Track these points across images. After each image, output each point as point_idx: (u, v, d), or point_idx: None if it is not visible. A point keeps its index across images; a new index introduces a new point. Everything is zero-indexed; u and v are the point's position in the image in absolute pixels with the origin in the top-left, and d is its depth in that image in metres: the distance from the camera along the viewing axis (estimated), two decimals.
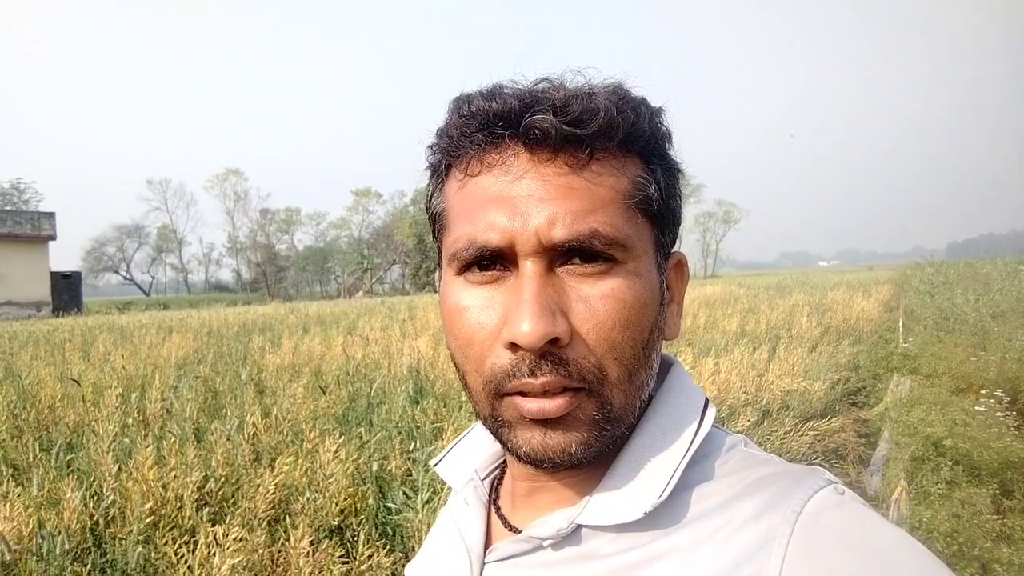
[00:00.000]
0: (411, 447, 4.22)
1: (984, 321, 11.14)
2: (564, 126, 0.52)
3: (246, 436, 4.26)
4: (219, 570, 2.47)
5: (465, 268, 0.56)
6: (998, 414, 5.74)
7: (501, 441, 0.57)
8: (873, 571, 0.45)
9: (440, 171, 0.60)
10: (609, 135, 0.54)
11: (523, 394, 0.53)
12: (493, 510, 0.67)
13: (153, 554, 2.75)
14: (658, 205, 0.57)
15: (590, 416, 0.53)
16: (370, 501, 3.60)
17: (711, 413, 0.59)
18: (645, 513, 0.53)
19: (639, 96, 0.58)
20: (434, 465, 0.77)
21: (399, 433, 4.49)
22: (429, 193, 0.62)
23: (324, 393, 5.38)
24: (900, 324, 12.90)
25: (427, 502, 3.41)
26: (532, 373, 0.51)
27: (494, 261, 0.55)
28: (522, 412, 0.53)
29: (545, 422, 0.53)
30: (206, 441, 4.15)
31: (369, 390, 5.79)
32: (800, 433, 5.38)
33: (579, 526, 0.56)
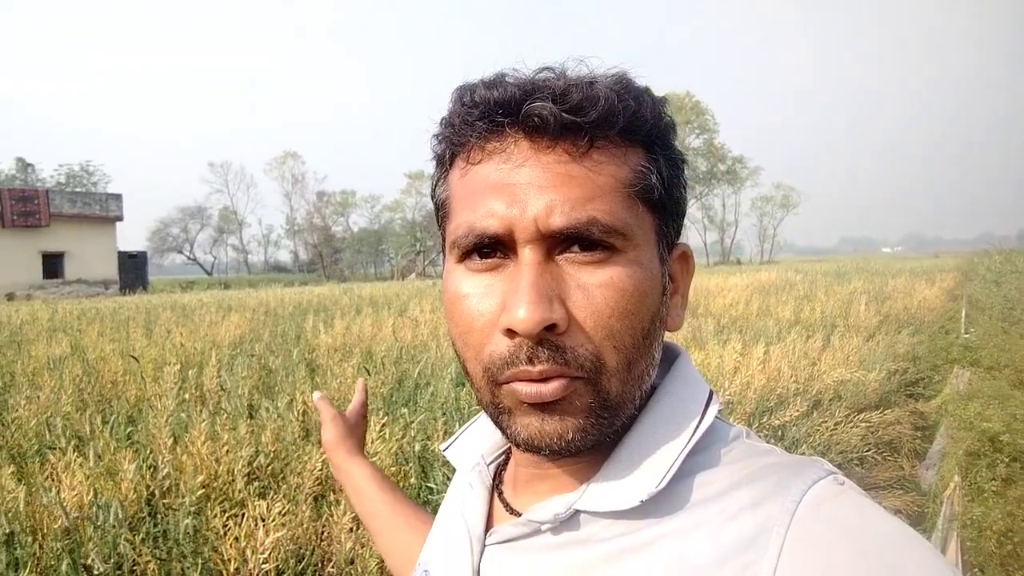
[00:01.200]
0: (454, 429, 4.28)
1: None
2: (563, 114, 0.52)
3: (296, 414, 4.38)
4: (263, 543, 2.55)
5: (465, 255, 0.56)
6: None
7: (501, 428, 0.57)
8: (871, 561, 0.44)
9: (444, 160, 0.61)
10: (609, 123, 0.54)
11: (521, 381, 0.53)
12: (496, 494, 0.68)
13: (204, 526, 2.86)
14: (660, 195, 0.57)
15: (587, 404, 0.54)
16: (412, 480, 3.67)
17: (714, 405, 0.59)
18: (642, 501, 0.53)
19: (642, 85, 0.58)
20: (444, 450, 0.79)
21: (443, 415, 4.55)
22: (434, 182, 0.63)
23: (370, 374, 5.48)
24: (963, 314, 12.45)
25: None
26: (530, 360, 0.52)
27: (494, 248, 0.55)
28: (519, 397, 0.53)
29: (543, 408, 0.53)
30: (258, 418, 4.29)
31: (416, 372, 5.87)
32: (852, 424, 5.25)
33: (577, 511, 0.57)
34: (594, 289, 0.53)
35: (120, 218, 37.68)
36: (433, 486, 3.64)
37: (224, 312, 12.18)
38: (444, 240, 0.62)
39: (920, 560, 0.45)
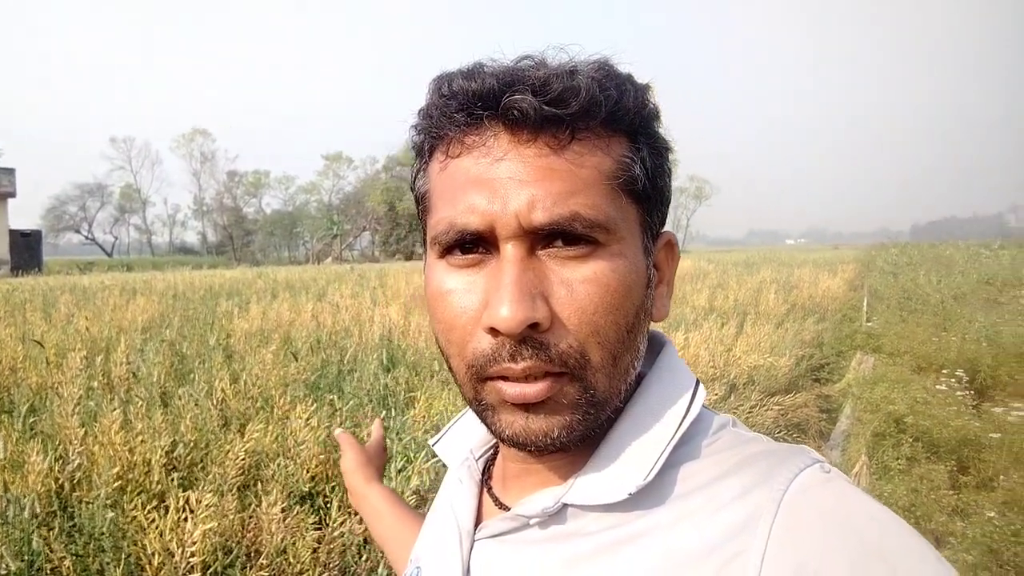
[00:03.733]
0: (383, 415, 4.23)
1: (946, 302, 11.44)
2: (544, 106, 0.51)
3: (215, 401, 4.22)
4: (191, 535, 2.45)
5: (447, 251, 0.55)
6: (957, 393, 5.92)
7: (486, 424, 0.57)
8: (858, 548, 0.45)
9: (423, 151, 0.59)
10: (591, 114, 0.52)
11: (505, 378, 0.52)
12: (485, 489, 0.68)
13: (122, 518, 2.72)
14: (644, 185, 0.56)
15: (573, 400, 0.53)
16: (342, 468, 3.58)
17: (701, 394, 0.59)
18: (630, 494, 0.53)
19: (625, 72, 0.56)
20: (432, 444, 0.79)
21: (371, 401, 4.49)
22: (414, 173, 0.61)
23: (296, 359, 5.34)
24: (864, 303, 13.16)
25: (400, 471, 3.42)
26: (513, 358, 0.51)
27: (476, 244, 0.54)
28: (503, 396, 0.53)
29: (527, 406, 0.53)
30: (173, 406, 4.11)
31: (340, 357, 5.76)
32: (765, 407, 5.48)
33: (565, 505, 0.57)
34: (577, 285, 0.52)
35: (12, 194, 35.54)
36: None
37: (129, 295, 11.62)
38: (425, 234, 0.60)
39: (906, 546, 0.46)
